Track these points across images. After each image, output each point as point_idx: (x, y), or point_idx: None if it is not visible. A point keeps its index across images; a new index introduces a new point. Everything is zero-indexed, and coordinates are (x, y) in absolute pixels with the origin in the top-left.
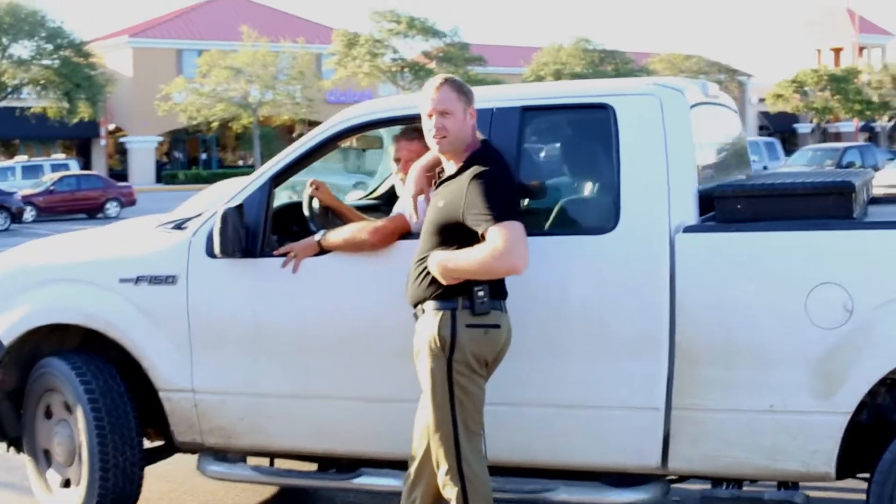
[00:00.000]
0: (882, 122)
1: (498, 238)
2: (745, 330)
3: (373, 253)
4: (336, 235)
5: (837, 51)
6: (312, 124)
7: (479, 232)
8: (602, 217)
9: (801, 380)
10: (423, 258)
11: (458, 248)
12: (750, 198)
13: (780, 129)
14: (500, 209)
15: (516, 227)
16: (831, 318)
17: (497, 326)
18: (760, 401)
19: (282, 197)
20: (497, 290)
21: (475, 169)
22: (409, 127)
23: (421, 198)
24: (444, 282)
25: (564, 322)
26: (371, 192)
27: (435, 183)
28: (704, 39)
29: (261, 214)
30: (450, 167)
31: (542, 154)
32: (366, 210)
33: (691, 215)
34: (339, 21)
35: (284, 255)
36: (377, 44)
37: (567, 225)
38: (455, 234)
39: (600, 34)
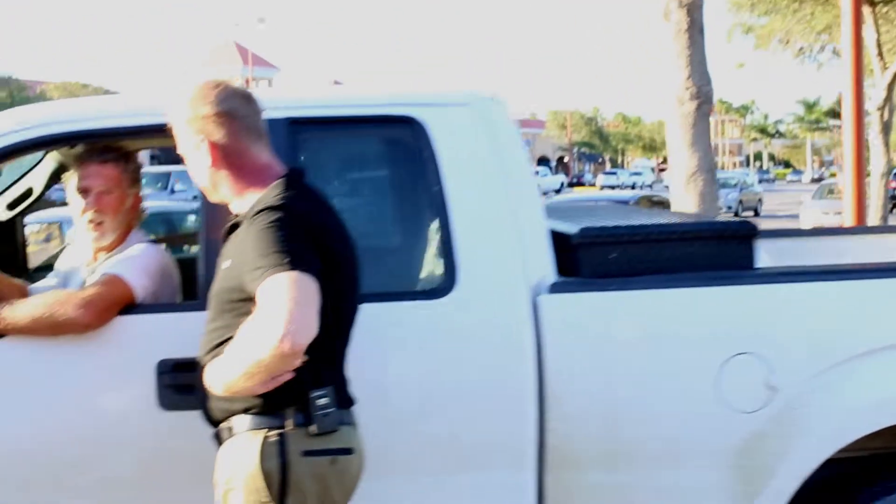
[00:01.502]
0: None
1: (267, 304)
2: (641, 421)
3: (76, 337)
4: (17, 314)
5: None
6: None
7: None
8: (431, 275)
9: (715, 481)
10: (215, 346)
11: None
12: (627, 244)
13: None
14: (278, 255)
15: (298, 279)
16: (750, 398)
17: (349, 451)
18: None
19: None
20: (343, 391)
21: (260, 203)
22: (99, 146)
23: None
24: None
25: (392, 427)
26: None
27: (223, 231)
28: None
29: None
30: (239, 205)
31: (332, 186)
32: None
33: (550, 268)
34: None
35: None
36: None
37: (383, 287)
38: (248, 311)
39: None
